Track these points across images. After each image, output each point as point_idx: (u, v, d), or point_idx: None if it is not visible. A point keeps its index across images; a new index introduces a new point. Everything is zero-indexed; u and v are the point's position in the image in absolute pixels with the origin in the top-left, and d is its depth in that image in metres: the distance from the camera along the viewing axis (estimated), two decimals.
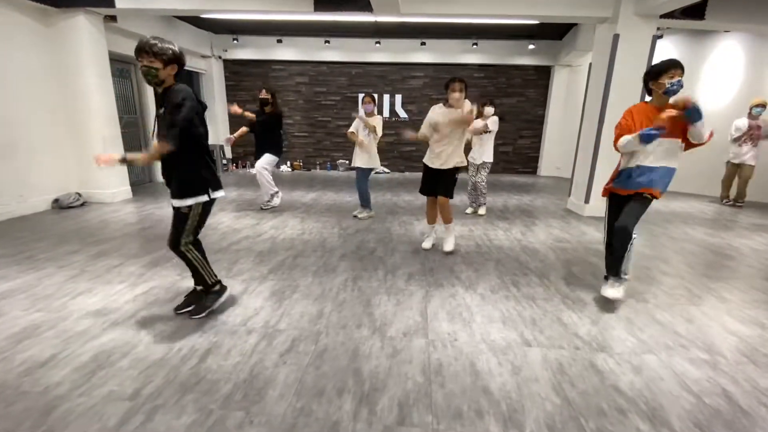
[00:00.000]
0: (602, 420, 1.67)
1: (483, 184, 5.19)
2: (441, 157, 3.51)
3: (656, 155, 2.51)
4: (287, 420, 1.62)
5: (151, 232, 4.17)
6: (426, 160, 3.66)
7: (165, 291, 2.78)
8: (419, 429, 1.59)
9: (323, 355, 2.07)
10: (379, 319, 2.46)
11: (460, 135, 3.51)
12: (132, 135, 6.59)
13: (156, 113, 2.22)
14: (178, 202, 2.24)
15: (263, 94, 4.91)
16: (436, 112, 3.54)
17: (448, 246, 3.76)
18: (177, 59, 2.14)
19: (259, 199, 5.65)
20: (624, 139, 2.51)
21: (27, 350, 2.06)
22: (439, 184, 3.60)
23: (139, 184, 6.71)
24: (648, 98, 2.62)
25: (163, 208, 5.19)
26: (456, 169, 3.55)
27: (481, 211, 5.34)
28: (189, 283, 2.76)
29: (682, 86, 2.40)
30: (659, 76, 2.44)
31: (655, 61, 5.35)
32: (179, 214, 2.29)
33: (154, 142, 2.15)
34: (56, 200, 5.15)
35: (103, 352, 2.06)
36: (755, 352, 2.21)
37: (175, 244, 2.33)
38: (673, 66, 2.39)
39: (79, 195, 5.36)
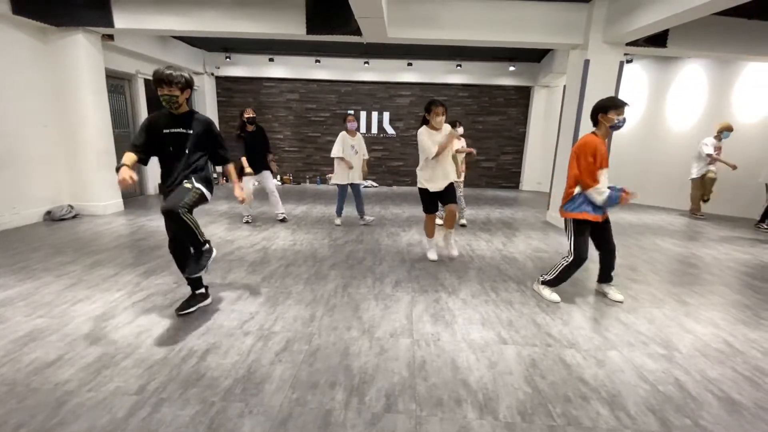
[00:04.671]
0: (567, 406, 1.87)
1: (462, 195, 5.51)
2: (449, 176, 3.77)
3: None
4: (284, 409, 1.77)
5: (144, 243, 4.27)
6: (428, 185, 3.76)
7: (162, 298, 2.91)
8: (404, 415, 1.76)
9: (316, 354, 2.23)
10: (367, 322, 2.63)
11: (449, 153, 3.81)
12: (124, 148, 6.69)
13: (169, 131, 2.51)
14: (189, 183, 2.47)
15: (251, 113, 5.19)
16: (434, 135, 3.69)
17: (456, 250, 4.08)
18: (190, 85, 2.44)
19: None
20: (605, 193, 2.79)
21: (33, 352, 2.16)
22: (444, 197, 3.79)
23: (130, 196, 6.79)
24: (593, 128, 2.92)
25: (155, 221, 5.28)
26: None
27: (464, 221, 5.62)
28: (185, 289, 2.90)
29: (625, 122, 2.81)
30: (609, 111, 2.78)
31: (623, 84, 5.82)
32: (185, 188, 2.44)
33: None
34: (48, 212, 5.21)
35: (106, 353, 2.18)
36: (707, 347, 2.45)
37: (173, 207, 2.33)
38: (623, 105, 2.78)
39: (71, 207, 5.43)
